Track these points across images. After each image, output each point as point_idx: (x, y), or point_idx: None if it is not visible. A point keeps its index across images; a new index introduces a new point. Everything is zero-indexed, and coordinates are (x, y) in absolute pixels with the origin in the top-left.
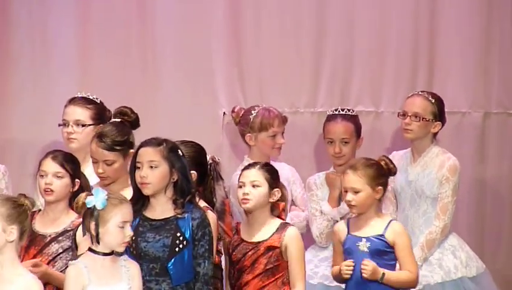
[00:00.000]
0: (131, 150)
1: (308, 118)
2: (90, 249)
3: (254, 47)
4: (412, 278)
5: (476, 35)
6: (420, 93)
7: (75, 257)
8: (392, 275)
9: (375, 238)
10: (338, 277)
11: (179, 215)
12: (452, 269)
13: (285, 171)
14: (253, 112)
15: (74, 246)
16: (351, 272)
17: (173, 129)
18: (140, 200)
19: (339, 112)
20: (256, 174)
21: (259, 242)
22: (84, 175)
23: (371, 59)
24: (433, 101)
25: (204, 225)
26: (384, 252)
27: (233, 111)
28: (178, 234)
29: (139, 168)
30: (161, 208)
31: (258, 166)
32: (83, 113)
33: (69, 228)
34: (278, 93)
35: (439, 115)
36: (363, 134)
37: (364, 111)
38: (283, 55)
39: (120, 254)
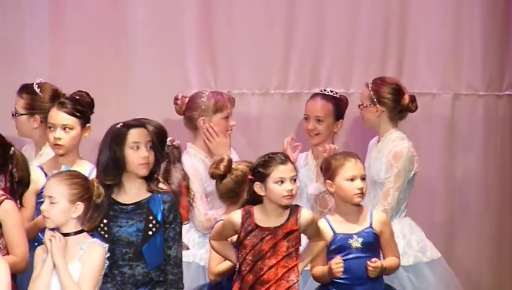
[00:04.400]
0: (88, 124)
1: (279, 99)
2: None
3: (225, 28)
4: (399, 262)
5: (445, 16)
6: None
7: (0, 234)
8: (388, 266)
9: (365, 232)
10: (322, 278)
11: (155, 191)
12: None
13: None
14: (203, 95)
15: None
16: (342, 269)
17: (144, 110)
18: (114, 185)
19: (322, 91)
20: (293, 169)
21: (276, 227)
22: (22, 162)
23: (341, 41)
24: (371, 86)
25: (175, 208)
26: (373, 245)
27: (176, 99)
28: (150, 218)
29: (133, 148)
30: (135, 192)
31: (289, 161)
32: (18, 103)
33: None
34: (248, 74)
35: (377, 100)
36: None
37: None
38: (254, 37)
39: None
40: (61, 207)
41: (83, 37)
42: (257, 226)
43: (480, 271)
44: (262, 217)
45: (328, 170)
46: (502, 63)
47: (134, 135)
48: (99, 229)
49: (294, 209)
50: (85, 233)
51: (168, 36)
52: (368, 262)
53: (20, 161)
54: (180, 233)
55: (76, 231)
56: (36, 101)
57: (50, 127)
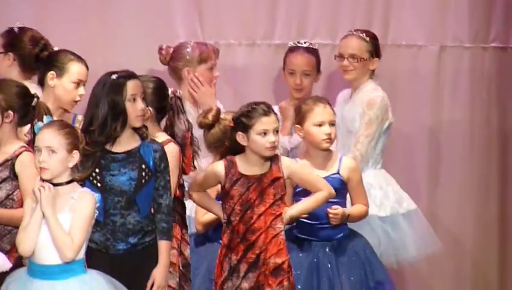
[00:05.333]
0: None
1: (265, 50)
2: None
3: None
4: (366, 210)
5: None
6: (354, 32)
7: (15, 186)
8: (352, 213)
9: (332, 177)
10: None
11: (147, 139)
12: None
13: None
14: (187, 46)
15: (13, 175)
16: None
17: (130, 61)
18: (111, 137)
19: (302, 44)
20: (276, 120)
21: (261, 175)
22: (43, 114)
23: None
24: (368, 39)
25: (165, 157)
26: (340, 191)
27: (161, 49)
28: (143, 166)
29: (131, 101)
30: (125, 141)
31: (272, 111)
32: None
33: (9, 158)
34: (235, 25)
35: (375, 52)
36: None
37: (321, 43)
38: None
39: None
40: (60, 157)
41: None
42: (242, 175)
43: (463, 226)
44: (245, 166)
45: (297, 115)
46: (488, 15)
47: (131, 87)
48: (91, 178)
49: (275, 158)
50: (75, 183)
51: None
52: (328, 209)
53: (42, 112)
54: (169, 182)
55: (68, 180)
56: (12, 39)
57: (76, 83)
